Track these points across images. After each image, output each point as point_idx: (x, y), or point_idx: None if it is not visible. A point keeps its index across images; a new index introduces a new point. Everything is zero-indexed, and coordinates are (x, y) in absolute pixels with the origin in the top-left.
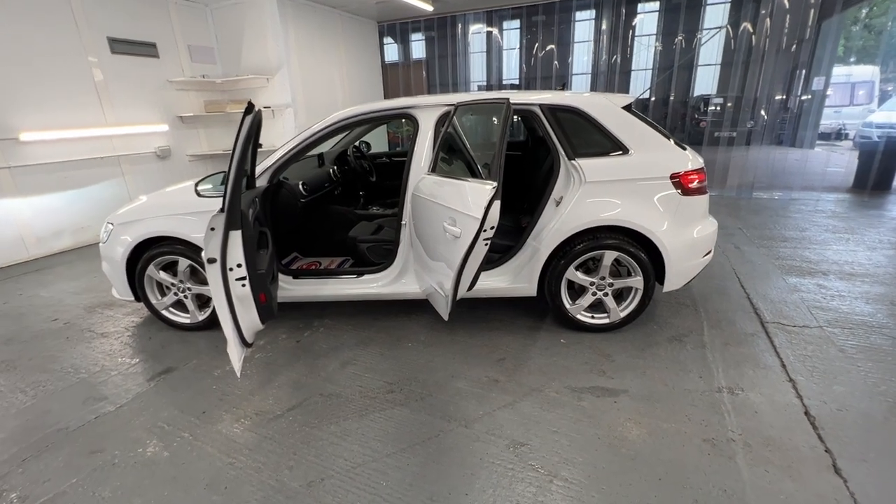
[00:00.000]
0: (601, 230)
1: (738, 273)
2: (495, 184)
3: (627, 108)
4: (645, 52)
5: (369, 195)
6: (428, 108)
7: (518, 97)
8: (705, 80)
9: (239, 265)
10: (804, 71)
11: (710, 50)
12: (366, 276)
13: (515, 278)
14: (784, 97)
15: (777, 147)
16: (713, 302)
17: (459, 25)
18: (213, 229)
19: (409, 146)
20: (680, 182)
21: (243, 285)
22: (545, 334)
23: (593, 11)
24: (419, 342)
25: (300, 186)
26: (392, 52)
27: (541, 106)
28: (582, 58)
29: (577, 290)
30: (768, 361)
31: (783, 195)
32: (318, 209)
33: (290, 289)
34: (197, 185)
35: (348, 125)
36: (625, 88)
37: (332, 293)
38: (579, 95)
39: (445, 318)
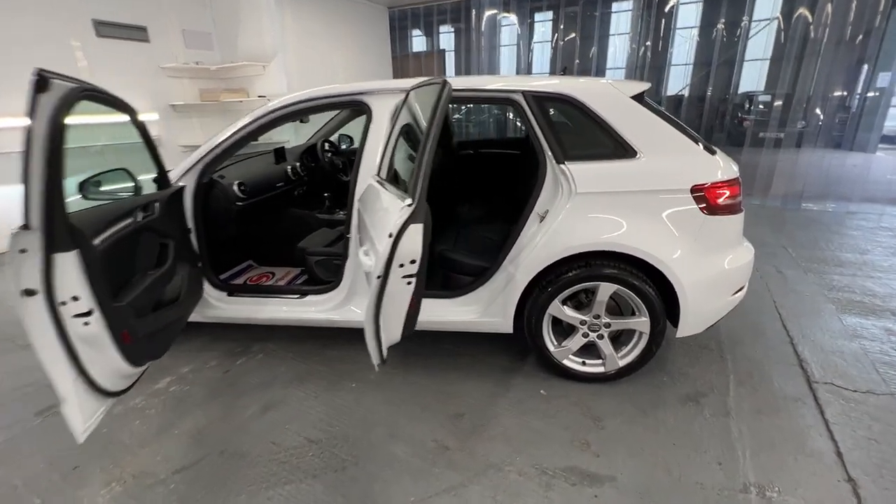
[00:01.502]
0: (596, 255)
1: (780, 306)
2: (410, 201)
3: (639, 98)
4: (686, 45)
5: (340, 197)
6: (383, 95)
7: (497, 83)
8: (751, 76)
9: (76, 297)
10: (868, 66)
11: (758, 43)
12: (309, 297)
13: (486, 310)
14: (845, 94)
15: (833, 151)
16: (745, 346)
17: (485, 15)
18: (23, 251)
19: (360, 140)
20: (704, 196)
21: (86, 323)
22: (522, 381)
23: (630, 2)
24: (366, 382)
25: (235, 187)
26: (418, 43)
27: (524, 94)
28: (618, 51)
29: (565, 329)
30: (817, 445)
31: (838, 207)
32: (271, 212)
33: (222, 308)
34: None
35: (287, 115)
36: (659, 83)
37: (269, 316)
38: (575, 81)
39: (375, 366)
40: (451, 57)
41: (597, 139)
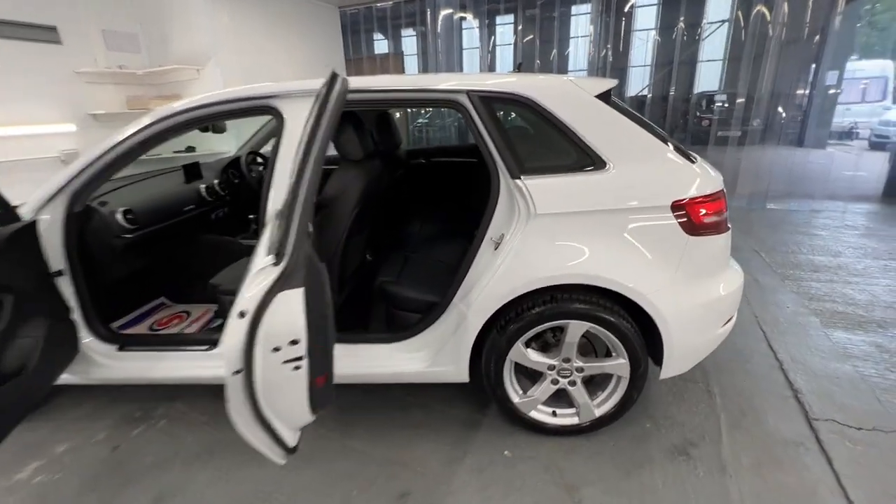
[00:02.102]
0: (563, 289)
1: (762, 322)
2: (273, 261)
3: (605, 97)
4: (645, 46)
5: None
6: (298, 99)
7: (438, 81)
8: (709, 76)
9: None
10: (816, 65)
11: (715, 44)
12: (221, 349)
13: (435, 357)
14: (800, 92)
15: (791, 148)
16: (732, 374)
17: (441, 14)
18: None
19: (270, 156)
20: (687, 213)
21: None
22: (484, 438)
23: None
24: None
25: (120, 216)
26: (379, 46)
27: (469, 94)
28: (579, 53)
29: (531, 374)
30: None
31: (801, 205)
32: (180, 241)
33: (110, 367)
34: None
35: (179, 125)
36: (622, 84)
37: (169, 375)
38: (530, 79)
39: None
40: (413, 60)
41: (558, 148)
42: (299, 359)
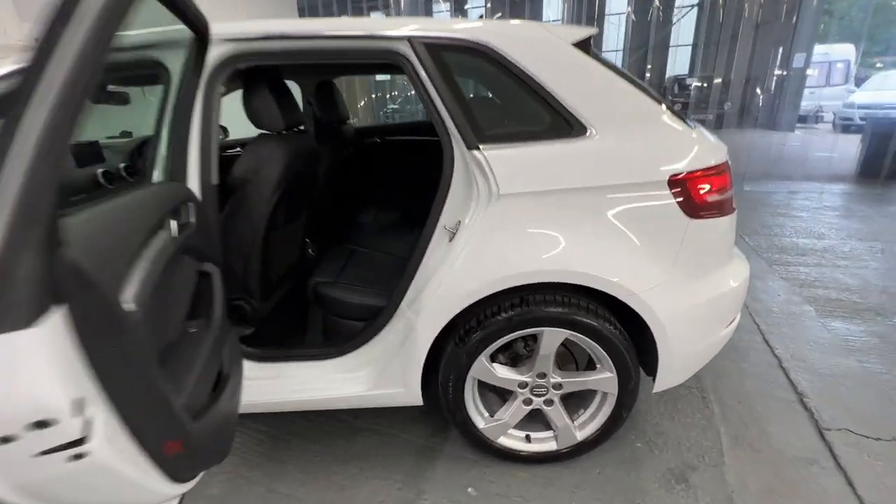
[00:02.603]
0: (536, 288)
1: (755, 314)
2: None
3: (584, 47)
4: (616, 31)
5: None
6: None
7: (371, 26)
8: (682, 60)
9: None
10: (784, 48)
11: (687, 27)
12: None
13: (380, 376)
14: (780, 72)
15: (760, 130)
16: (728, 377)
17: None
18: None
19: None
20: (686, 191)
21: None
22: (443, 470)
23: None
24: (207, 499)
25: None
26: None
27: (413, 42)
28: None
29: (500, 391)
30: None
31: (777, 187)
32: None
33: None
34: None
35: None
36: None
37: None
38: (492, 24)
39: None
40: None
41: (526, 110)
42: (75, 444)
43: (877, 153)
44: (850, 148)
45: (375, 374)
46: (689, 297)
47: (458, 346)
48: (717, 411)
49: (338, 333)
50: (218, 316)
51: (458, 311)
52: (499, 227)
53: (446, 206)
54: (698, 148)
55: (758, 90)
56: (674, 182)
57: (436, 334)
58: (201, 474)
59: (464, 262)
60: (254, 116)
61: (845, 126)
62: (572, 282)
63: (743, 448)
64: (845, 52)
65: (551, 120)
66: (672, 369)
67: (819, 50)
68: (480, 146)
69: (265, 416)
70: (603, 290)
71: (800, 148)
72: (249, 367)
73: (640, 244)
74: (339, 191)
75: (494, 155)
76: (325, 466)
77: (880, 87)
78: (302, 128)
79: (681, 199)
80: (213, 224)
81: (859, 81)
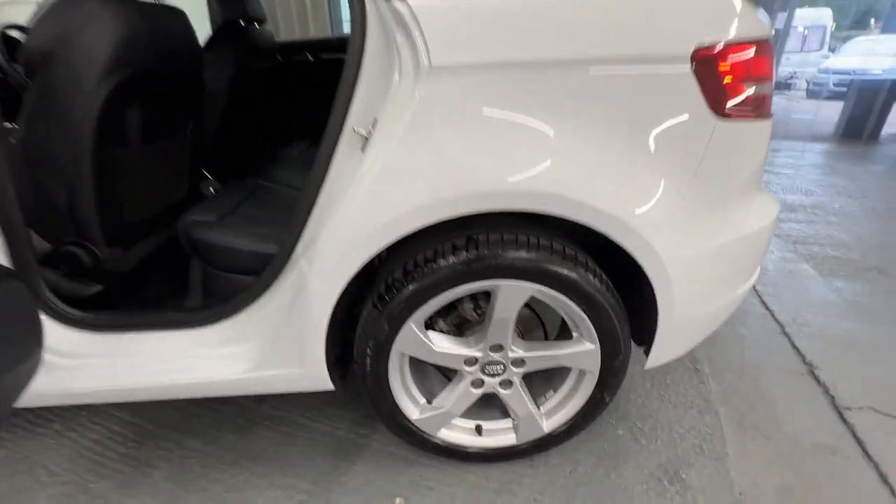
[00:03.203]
0: (488, 221)
1: None
2: None
3: None
4: None
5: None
6: None
7: None
8: None
9: None
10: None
11: None
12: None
13: (266, 353)
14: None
15: None
16: (724, 346)
17: None
18: None
19: None
20: (717, 75)
21: None
22: (364, 474)
23: None
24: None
25: None
26: None
27: None
28: None
29: (442, 371)
30: None
31: None
32: None
33: None
34: None
35: None
36: None
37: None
38: None
39: None
40: None
41: None
42: None
43: (861, 114)
44: (828, 112)
45: (260, 348)
46: (706, 237)
47: (376, 309)
48: (715, 388)
49: (218, 292)
50: None
51: (368, 256)
52: (430, 121)
53: (357, 97)
54: (741, 9)
55: None
56: (701, 58)
57: (338, 291)
58: None
59: (377, 179)
60: None
61: (817, 92)
62: (545, 211)
63: (749, 435)
64: (822, 16)
65: None
66: (673, 338)
67: (794, 14)
68: None
69: (135, 404)
70: (589, 224)
71: (778, 110)
72: (86, 340)
73: (644, 155)
74: (254, 115)
75: (424, 5)
76: (204, 472)
77: (855, 53)
78: (174, 8)
79: (709, 86)
80: None
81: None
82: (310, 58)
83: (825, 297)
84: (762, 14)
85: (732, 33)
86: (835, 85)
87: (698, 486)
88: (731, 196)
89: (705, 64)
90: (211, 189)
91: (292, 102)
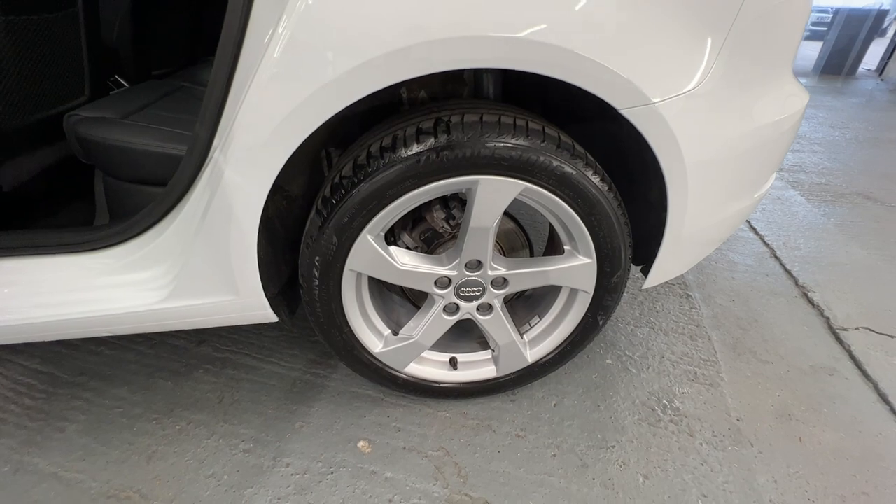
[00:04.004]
0: (454, 87)
1: None
2: None
3: None
4: None
5: None
6: None
7: None
8: None
9: None
10: None
11: None
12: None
13: (184, 277)
14: None
15: None
16: (714, 270)
17: None
18: None
19: None
20: None
21: None
22: (325, 415)
23: None
24: None
25: None
26: None
27: None
28: None
29: (409, 296)
30: None
31: None
32: None
33: None
34: None
35: None
36: None
37: None
38: None
39: None
40: None
41: None
42: None
43: (842, 49)
44: (806, 51)
45: (175, 271)
46: (735, 120)
47: (320, 216)
48: (707, 313)
49: (124, 209)
50: None
51: (294, 144)
52: None
53: None
54: None
55: None
56: None
57: (266, 189)
58: None
59: (300, 27)
60: None
61: (844, 24)
62: (541, 72)
63: (745, 359)
64: None
65: None
66: (679, 251)
67: None
68: None
69: (47, 350)
70: (595, 91)
71: None
72: None
73: (670, 8)
74: (176, 10)
75: None
76: (130, 423)
77: None
78: None
79: None
80: None
81: None
82: None
83: (814, 221)
84: None
85: None
86: (813, 24)
87: (693, 414)
88: (769, 70)
89: None
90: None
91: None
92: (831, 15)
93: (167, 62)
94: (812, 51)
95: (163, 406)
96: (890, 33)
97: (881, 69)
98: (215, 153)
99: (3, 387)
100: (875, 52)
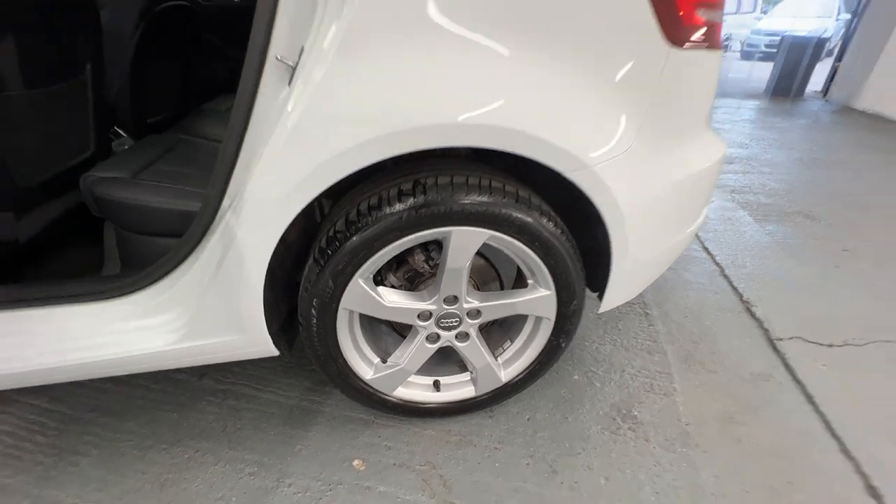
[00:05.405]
0: (434, 160)
1: None
2: None
3: None
4: None
5: None
6: None
7: None
8: None
9: None
10: None
11: None
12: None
13: (196, 320)
14: None
15: None
16: (669, 289)
17: None
18: None
19: None
20: (671, 2)
21: None
22: (322, 438)
23: None
24: None
25: None
26: None
27: None
28: None
29: (395, 327)
30: (832, 464)
31: None
32: None
33: None
34: None
35: None
36: None
37: None
38: None
39: None
40: None
41: None
42: None
43: (789, 72)
44: (760, 73)
45: (188, 316)
46: (659, 175)
47: (318, 265)
48: (663, 329)
49: (136, 258)
50: None
51: (302, 205)
52: (364, 43)
53: (279, 18)
54: None
55: None
56: None
57: (272, 245)
58: None
59: (306, 116)
60: None
61: (750, 53)
62: (499, 146)
63: (695, 370)
64: None
65: None
66: (627, 281)
67: None
68: None
69: (56, 389)
70: (544, 161)
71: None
72: None
73: (598, 85)
74: (171, 66)
75: None
76: (141, 455)
77: (784, 15)
78: None
79: (661, 8)
80: None
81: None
82: None
83: (759, 240)
84: None
85: None
86: (766, 46)
87: (649, 421)
88: (682, 131)
89: None
90: (126, 148)
91: (216, 52)
92: (780, 38)
93: (161, 109)
94: (766, 72)
95: (171, 437)
96: (831, 57)
97: (825, 90)
98: (226, 213)
99: (15, 425)
100: (823, 72)
